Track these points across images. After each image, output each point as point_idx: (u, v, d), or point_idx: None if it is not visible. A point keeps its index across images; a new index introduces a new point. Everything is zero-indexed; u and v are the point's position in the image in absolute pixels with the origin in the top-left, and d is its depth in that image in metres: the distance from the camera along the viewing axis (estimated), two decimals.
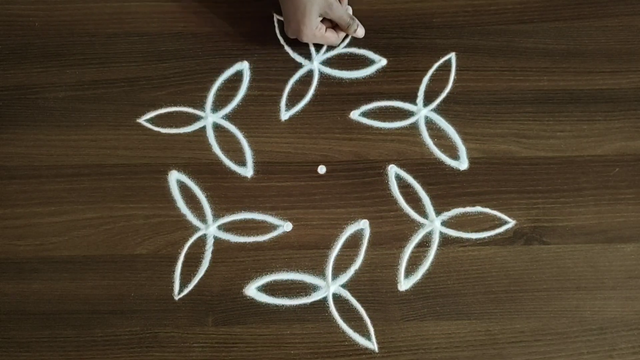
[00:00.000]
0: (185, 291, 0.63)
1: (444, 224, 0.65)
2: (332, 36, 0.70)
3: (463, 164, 0.67)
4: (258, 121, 0.69)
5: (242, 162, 0.67)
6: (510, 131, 0.68)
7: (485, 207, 0.65)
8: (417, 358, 0.61)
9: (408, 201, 0.66)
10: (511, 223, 0.65)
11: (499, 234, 0.64)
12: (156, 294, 0.62)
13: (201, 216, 0.65)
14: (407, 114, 0.69)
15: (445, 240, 0.64)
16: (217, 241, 0.64)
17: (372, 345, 0.61)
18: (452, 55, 0.71)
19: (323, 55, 0.71)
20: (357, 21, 0.70)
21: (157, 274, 0.63)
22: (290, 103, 0.69)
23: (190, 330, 0.61)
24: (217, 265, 0.63)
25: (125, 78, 0.70)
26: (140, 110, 0.69)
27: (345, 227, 0.65)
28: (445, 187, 0.66)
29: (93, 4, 0.73)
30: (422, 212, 0.65)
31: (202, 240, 0.64)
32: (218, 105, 0.69)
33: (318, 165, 0.67)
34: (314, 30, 0.67)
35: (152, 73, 0.70)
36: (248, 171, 0.67)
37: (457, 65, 0.70)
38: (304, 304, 0.62)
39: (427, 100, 0.69)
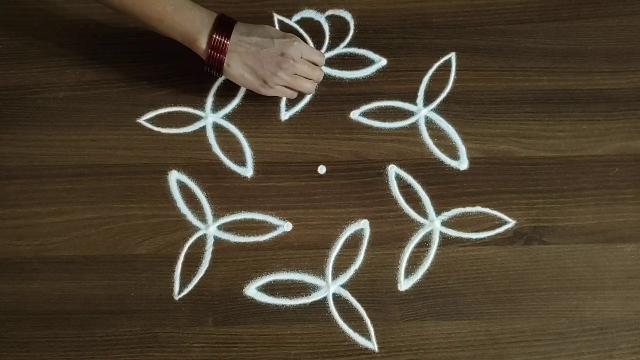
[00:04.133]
0: (185, 291, 0.63)
1: (444, 224, 0.65)
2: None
3: (463, 164, 0.67)
4: (258, 121, 0.69)
5: (242, 162, 0.67)
6: (510, 131, 0.68)
7: (485, 207, 0.65)
8: (417, 358, 0.60)
9: (408, 201, 0.66)
10: (511, 223, 0.65)
11: (499, 234, 0.64)
12: (156, 294, 0.62)
13: (201, 216, 0.65)
14: (407, 114, 0.69)
15: (445, 240, 0.64)
16: (217, 241, 0.64)
17: (372, 345, 0.61)
18: (452, 55, 0.71)
19: None
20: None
21: (157, 274, 0.63)
22: (290, 103, 0.69)
23: (190, 330, 0.61)
24: (217, 265, 0.63)
25: (125, 78, 0.70)
26: (140, 110, 0.69)
27: (345, 227, 0.65)
28: (445, 187, 0.66)
29: (93, 4, 0.73)
30: (422, 212, 0.65)
31: (202, 240, 0.64)
32: (218, 105, 0.69)
33: (318, 165, 0.67)
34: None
35: (152, 73, 0.70)
36: (248, 171, 0.67)
37: (457, 65, 0.70)
38: (304, 304, 0.62)
39: (427, 100, 0.69)
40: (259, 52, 0.62)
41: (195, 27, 0.62)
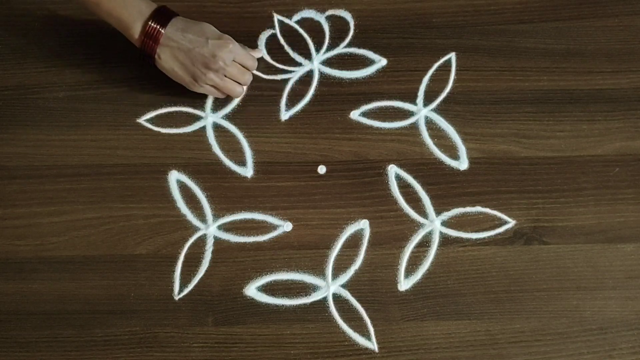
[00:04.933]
0: (185, 291, 0.63)
1: (444, 224, 0.65)
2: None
3: (463, 164, 0.67)
4: (258, 121, 0.69)
5: (242, 162, 0.67)
6: (510, 131, 0.68)
7: (485, 207, 0.65)
8: (417, 358, 0.60)
9: (408, 201, 0.66)
10: (511, 223, 0.65)
11: (499, 234, 0.64)
12: (156, 294, 0.62)
13: (201, 216, 0.65)
14: (407, 114, 0.69)
15: (445, 240, 0.64)
16: (217, 241, 0.64)
17: (372, 345, 0.61)
18: (452, 55, 0.71)
19: (323, 55, 0.71)
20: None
21: (157, 274, 0.63)
22: (291, 103, 0.69)
23: (190, 330, 0.61)
24: (217, 265, 0.63)
25: (125, 78, 0.70)
26: (140, 110, 0.69)
27: (345, 227, 0.65)
28: (445, 187, 0.66)
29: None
30: (422, 212, 0.65)
31: (202, 240, 0.64)
32: (218, 105, 0.69)
33: (318, 165, 0.67)
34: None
35: (152, 73, 0.70)
36: (248, 171, 0.67)
37: (457, 65, 0.70)
38: (304, 304, 0.62)
39: (427, 100, 0.69)
40: (190, 50, 0.63)
41: (131, 15, 0.63)
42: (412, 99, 0.69)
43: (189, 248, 0.64)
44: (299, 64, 0.71)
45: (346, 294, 0.62)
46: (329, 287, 0.63)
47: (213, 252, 0.64)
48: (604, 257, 0.63)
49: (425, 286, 0.63)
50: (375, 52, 0.71)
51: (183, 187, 0.66)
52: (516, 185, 0.66)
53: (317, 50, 0.71)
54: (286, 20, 0.73)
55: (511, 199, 0.65)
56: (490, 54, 0.71)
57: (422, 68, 0.70)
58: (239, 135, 0.68)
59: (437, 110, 0.69)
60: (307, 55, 0.71)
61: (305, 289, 0.63)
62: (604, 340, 0.61)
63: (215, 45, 0.63)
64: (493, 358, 0.61)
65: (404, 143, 0.68)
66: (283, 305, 0.62)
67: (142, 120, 0.69)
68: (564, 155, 0.67)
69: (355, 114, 0.69)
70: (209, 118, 0.69)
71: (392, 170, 0.67)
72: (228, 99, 0.69)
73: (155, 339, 0.61)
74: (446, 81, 0.70)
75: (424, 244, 0.64)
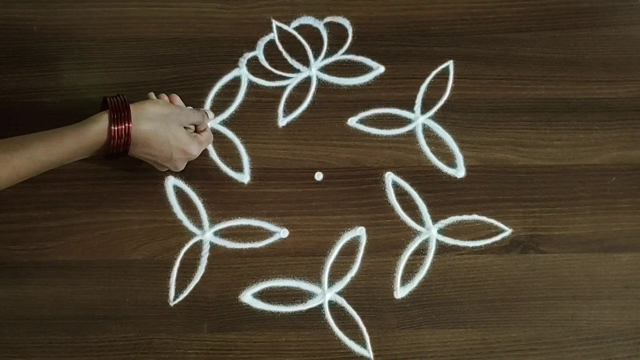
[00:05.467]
0: (181, 297, 0.62)
1: (441, 231, 0.65)
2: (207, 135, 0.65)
3: (460, 172, 0.67)
4: (255, 127, 0.69)
5: (239, 168, 0.67)
6: (507, 139, 0.68)
7: (482, 215, 0.65)
8: None
9: (405, 209, 0.65)
10: (508, 231, 0.65)
11: (496, 242, 0.64)
12: (151, 299, 0.62)
13: (197, 222, 0.65)
14: (405, 121, 0.69)
15: (441, 248, 0.64)
16: (213, 247, 0.64)
17: (368, 353, 0.61)
18: (450, 63, 0.71)
19: (321, 62, 0.71)
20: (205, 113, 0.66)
21: (152, 279, 0.63)
22: (288, 109, 0.69)
23: (185, 337, 0.61)
24: (212, 271, 0.63)
25: (122, 83, 0.70)
26: None
27: (341, 234, 0.65)
28: (442, 195, 0.66)
29: (91, 8, 0.73)
30: (419, 220, 0.65)
31: (198, 246, 0.64)
32: (215, 111, 0.69)
33: (315, 172, 0.67)
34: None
35: (150, 78, 0.70)
36: (245, 177, 0.67)
37: (454, 73, 0.70)
38: (300, 311, 0.62)
39: (425, 108, 0.69)
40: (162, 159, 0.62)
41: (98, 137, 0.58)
42: (410, 107, 0.69)
43: (185, 254, 0.64)
44: (297, 71, 0.71)
45: (342, 302, 0.62)
46: (325, 294, 0.63)
47: (209, 258, 0.64)
48: (601, 267, 0.63)
49: (422, 294, 0.63)
50: (373, 59, 0.71)
51: (180, 193, 0.66)
52: (513, 193, 0.66)
53: (315, 56, 0.71)
54: (285, 27, 0.73)
55: (508, 208, 0.65)
56: (488, 62, 0.71)
57: (420, 76, 0.71)
58: (236, 141, 0.68)
59: (435, 118, 0.69)
60: (305, 62, 0.71)
61: (301, 296, 0.63)
62: (599, 349, 0.61)
63: (181, 153, 0.62)
64: None
65: (402, 150, 0.68)
66: (279, 312, 0.62)
67: None
68: (561, 164, 0.67)
69: (352, 121, 0.69)
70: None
71: (389, 177, 0.67)
72: (226, 105, 0.69)
73: (150, 345, 0.61)
74: (444, 89, 0.70)
75: (421, 251, 0.64)
